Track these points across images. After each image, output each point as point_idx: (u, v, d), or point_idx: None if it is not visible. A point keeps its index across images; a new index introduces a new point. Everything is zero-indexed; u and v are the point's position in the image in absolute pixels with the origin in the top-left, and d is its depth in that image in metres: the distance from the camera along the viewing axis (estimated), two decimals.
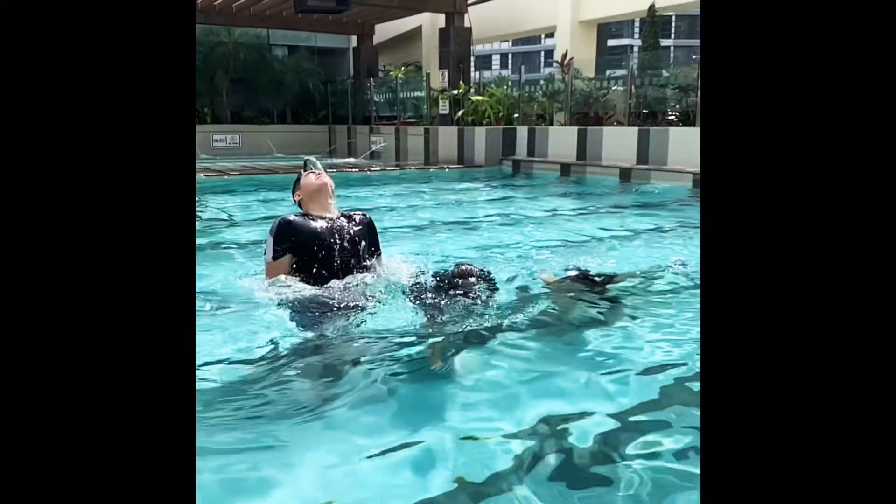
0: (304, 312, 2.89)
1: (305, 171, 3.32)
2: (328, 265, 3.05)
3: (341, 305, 2.92)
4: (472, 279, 3.17)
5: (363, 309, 2.94)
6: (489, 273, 3.27)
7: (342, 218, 3.21)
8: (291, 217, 3.10)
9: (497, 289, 3.25)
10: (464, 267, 3.22)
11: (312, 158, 3.41)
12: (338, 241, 3.09)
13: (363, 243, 3.20)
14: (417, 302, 3.08)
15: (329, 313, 2.87)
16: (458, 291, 3.12)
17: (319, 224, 3.10)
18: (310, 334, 2.75)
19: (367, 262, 3.21)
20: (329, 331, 2.77)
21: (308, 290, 2.99)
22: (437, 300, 3.08)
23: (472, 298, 3.12)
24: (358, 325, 2.82)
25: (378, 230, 3.39)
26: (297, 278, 3.05)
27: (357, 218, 3.28)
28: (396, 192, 9.09)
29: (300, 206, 3.28)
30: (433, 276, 3.24)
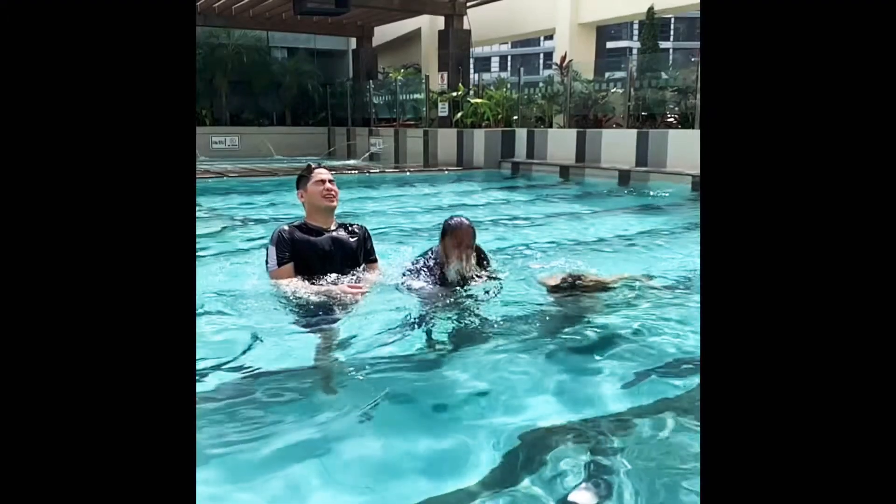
0: (305, 315, 2.90)
1: (312, 172, 3.23)
2: (326, 277, 3.09)
3: (341, 308, 2.94)
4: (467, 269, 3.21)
5: (362, 311, 2.95)
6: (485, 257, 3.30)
7: (340, 230, 3.23)
8: (290, 229, 3.12)
9: (487, 261, 3.31)
10: (454, 220, 3.22)
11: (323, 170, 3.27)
12: (336, 255, 3.13)
13: (360, 254, 3.24)
14: (416, 299, 3.10)
15: (328, 315, 2.89)
16: (455, 286, 3.16)
17: (318, 238, 3.13)
18: (309, 335, 2.75)
19: (365, 272, 3.24)
20: (328, 332, 2.78)
21: (309, 294, 3.00)
22: (436, 298, 3.10)
23: (468, 290, 3.16)
24: (358, 327, 2.83)
25: (376, 234, 3.42)
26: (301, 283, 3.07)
27: (353, 229, 3.30)
28: (396, 194, 9.09)
29: (303, 205, 3.27)
30: (420, 257, 3.29)
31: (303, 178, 3.25)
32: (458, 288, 3.22)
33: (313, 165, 3.31)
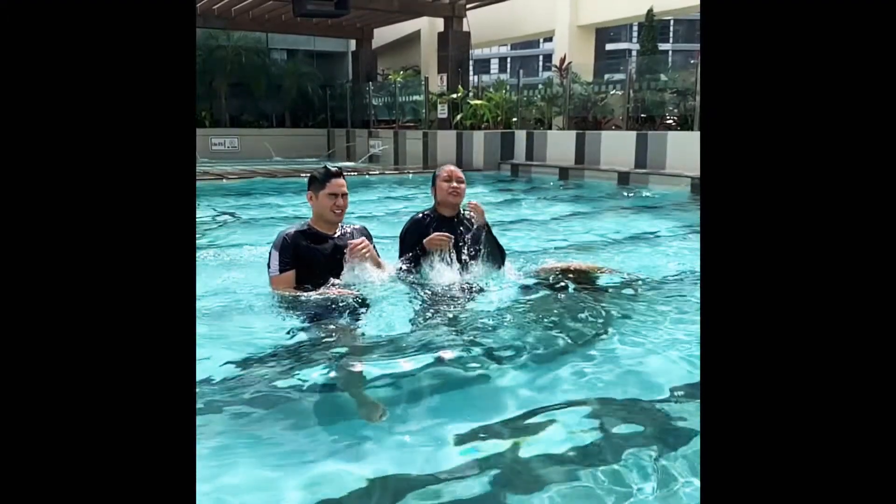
0: (304, 316, 2.91)
1: (329, 180, 3.13)
2: (329, 282, 3.10)
3: (343, 309, 2.95)
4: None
5: (364, 311, 2.96)
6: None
7: (343, 236, 3.22)
8: (294, 234, 3.10)
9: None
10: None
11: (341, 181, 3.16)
12: (342, 258, 3.14)
13: None
14: (417, 297, 3.12)
15: (328, 316, 2.89)
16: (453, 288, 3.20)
17: (321, 245, 3.13)
18: (308, 337, 2.75)
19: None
20: (329, 334, 2.78)
21: (307, 297, 3.01)
22: (436, 296, 3.12)
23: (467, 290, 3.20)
24: (358, 328, 2.84)
25: (375, 235, 3.43)
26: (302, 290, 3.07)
27: (356, 234, 3.30)
28: (395, 195, 9.10)
29: (310, 203, 3.24)
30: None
31: (317, 181, 3.15)
32: (461, 278, 3.27)
33: (332, 170, 3.16)
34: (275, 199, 8.18)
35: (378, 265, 3.22)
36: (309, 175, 3.22)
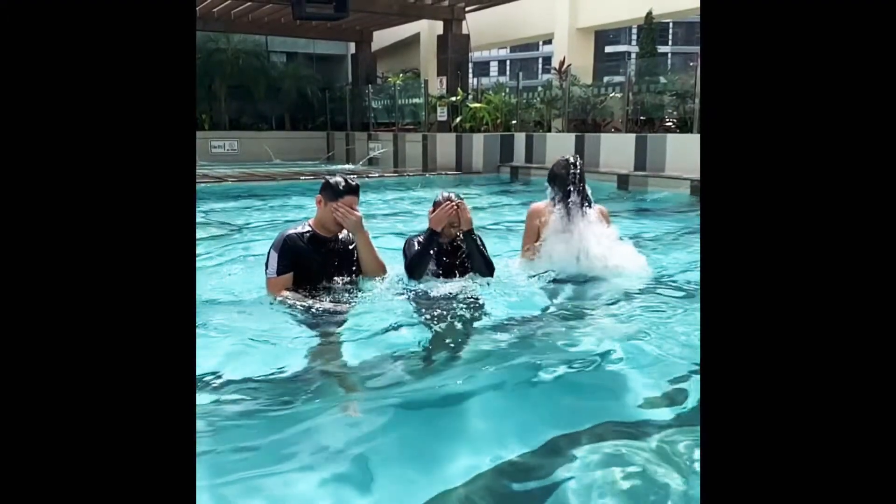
0: (303, 321, 2.90)
1: (343, 196, 3.08)
2: (327, 285, 3.10)
3: (341, 313, 2.94)
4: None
5: (362, 315, 2.96)
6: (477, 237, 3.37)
7: (343, 240, 3.21)
8: (295, 237, 3.09)
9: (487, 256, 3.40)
10: (442, 196, 3.37)
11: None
12: (339, 263, 3.14)
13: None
14: (414, 302, 3.11)
15: (329, 321, 2.89)
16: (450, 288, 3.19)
17: (321, 248, 3.12)
18: (308, 342, 2.75)
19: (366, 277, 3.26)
20: (326, 339, 2.78)
21: (309, 303, 3.00)
22: (434, 303, 3.11)
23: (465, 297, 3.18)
24: (358, 334, 2.83)
25: (374, 237, 3.43)
26: (299, 293, 3.07)
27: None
28: (394, 198, 9.10)
29: (317, 206, 3.23)
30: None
31: (332, 190, 3.09)
32: (461, 288, 3.25)
33: (351, 186, 3.11)
34: (274, 202, 8.18)
35: (363, 232, 3.18)
36: (325, 179, 3.18)
